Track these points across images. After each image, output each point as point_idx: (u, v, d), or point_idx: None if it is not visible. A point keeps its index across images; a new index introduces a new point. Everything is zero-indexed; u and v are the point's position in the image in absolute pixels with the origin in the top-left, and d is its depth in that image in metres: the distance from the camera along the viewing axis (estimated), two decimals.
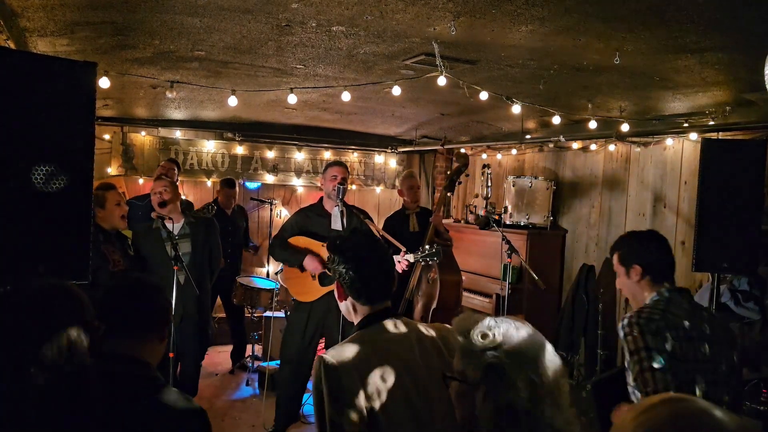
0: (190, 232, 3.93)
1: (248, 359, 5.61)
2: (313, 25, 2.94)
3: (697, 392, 1.96)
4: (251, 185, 6.84)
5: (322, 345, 4.19)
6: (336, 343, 1.85)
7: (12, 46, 2.96)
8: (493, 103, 4.33)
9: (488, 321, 1.30)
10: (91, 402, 1.15)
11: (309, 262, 3.83)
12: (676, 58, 3.18)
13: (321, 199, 4.08)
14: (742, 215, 3.34)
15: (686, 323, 2.04)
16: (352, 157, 7.27)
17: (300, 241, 3.96)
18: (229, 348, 5.80)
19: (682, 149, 4.85)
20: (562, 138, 5.22)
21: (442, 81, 3.41)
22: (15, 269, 1.89)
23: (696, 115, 4.42)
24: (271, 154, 6.80)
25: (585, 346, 5.17)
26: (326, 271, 3.88)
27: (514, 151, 6.50)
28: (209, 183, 6.56)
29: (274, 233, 4.49)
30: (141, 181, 6.18)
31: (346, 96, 4.09)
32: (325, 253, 3.86)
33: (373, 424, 1.57)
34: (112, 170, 6.11)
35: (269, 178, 6.83)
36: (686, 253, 4.66)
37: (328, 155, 7.07)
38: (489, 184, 4.97)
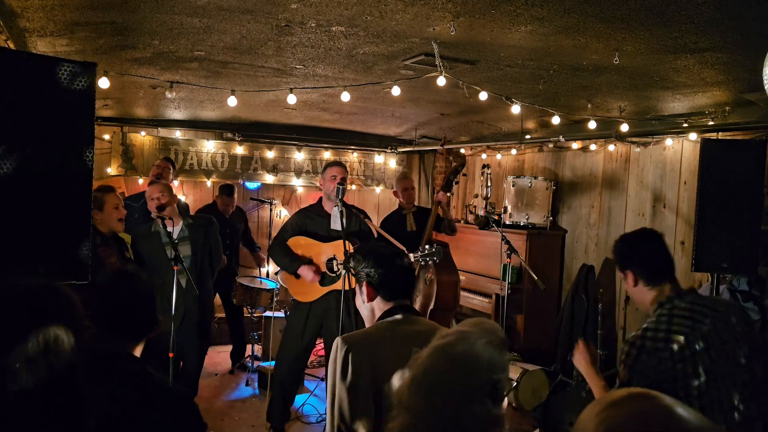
0: (189, 234, 3.93)
1: (248, 359, 5.61)
2: (313, 25, 2.94)
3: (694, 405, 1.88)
4: (251, 185, 6.84)
5: (321, 345, 4.20)
6: None
7: (12, 46, 2.96)
8: (493, 103, 4.33)
9: None
10: (79, 400, 1.15)
11: (304, 272, 3.85)
12: (676, 59, 3.18)
13: (320, 199, 4.08)
14: (741, 215, 3.34)
15: (690, 341, 1.94)
16: (352, 157, 7.27)
17: (300, 241, 3.97)
18: (229, 348, 5.80)
19: (681, 149, 4.85)
20: (561, 138, 5.22)
21: (441, 81, 3.41)
22: (15, 269, 1.89)
23: (695, 115, 4.43)
24: (270, 154, 6.80)
25: None
26: (326, 271, 3.89)
27: (513, 151, 6.50)
28: (209, 183, 6.56)
29: (273, 233, 4.49)
30: (141, 181, 6.17)
31: (345, 96, 4.09)
32: (324, 256, 3.91)
33: (379, 404, 1.66)
34: (111, 170, 6.11)
35: (269, 178, 6.83)
36: (686, 253, 4.66)
37: (327, 155, 7.07)
38: (489, 184, 4.98)
